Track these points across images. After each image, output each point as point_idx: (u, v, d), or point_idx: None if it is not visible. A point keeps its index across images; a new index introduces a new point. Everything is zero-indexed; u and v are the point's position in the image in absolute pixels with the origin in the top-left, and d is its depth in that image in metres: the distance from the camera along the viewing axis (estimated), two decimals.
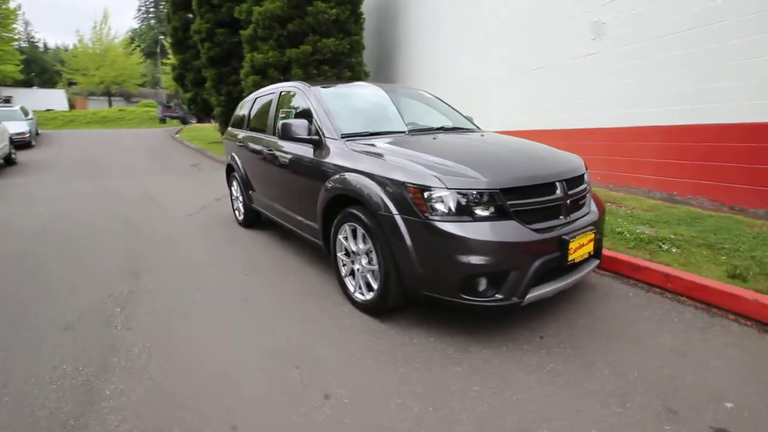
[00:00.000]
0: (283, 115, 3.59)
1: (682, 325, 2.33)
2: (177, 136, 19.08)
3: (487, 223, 2.02)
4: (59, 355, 2.21)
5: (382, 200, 2.21)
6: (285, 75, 11.15)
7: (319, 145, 2.90)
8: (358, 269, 2.57)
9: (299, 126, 2.89)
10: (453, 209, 2.03)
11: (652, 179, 4.76)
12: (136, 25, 64.04)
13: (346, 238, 2.64)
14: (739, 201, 3.93)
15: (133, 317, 2.63)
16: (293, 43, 11.02)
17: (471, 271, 1.99)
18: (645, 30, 4.67)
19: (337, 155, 2.67)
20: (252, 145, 4.14)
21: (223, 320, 2.56)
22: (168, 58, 31.85)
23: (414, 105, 3.68)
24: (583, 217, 2.36)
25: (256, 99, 4.42)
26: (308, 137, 2.90)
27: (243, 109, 4.74)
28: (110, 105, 36.90)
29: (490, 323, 2.39)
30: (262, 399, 1.81)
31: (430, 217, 2.04)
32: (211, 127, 21.68)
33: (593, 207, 2.53)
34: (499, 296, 2.04)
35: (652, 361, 2.01)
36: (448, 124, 3.41)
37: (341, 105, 3.15)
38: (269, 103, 3.97)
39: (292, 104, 3.54)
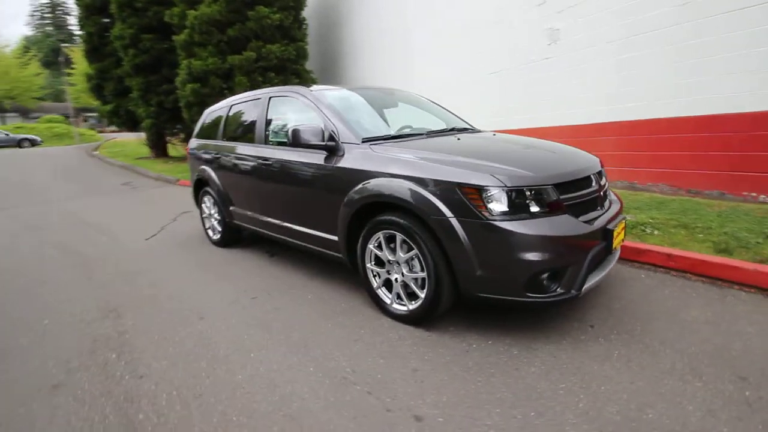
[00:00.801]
0: (279, 122, 3.34)
1: (702, 299, 2.54)
2: (96, 153, 17.11)
3: (546, 219, 2.03)
4: (63, 425, 1.79)
5: (433, 204, 2.12)
6: (227, 83, 10.52)
7: (334, 151, 2.73)
8: (396, 279, 2.44)
9: (313, 131, 2.68)
10: (512, 208, 2.01)
11: (615, 170, 5.21)
12: (29, 32, 56.58)
13: (378, 247, 2.51)
14: (695, 185, 4.45)
15: (140, 362, 2.24)
16: (235, 49, 10.43)
17: (537, 269, 1.98)
18: (596, 36, 5.11)
19: (363, 160, 2.52)
20: (232, 157, 3.80)
21: (252, 352, 2.27)
22: (73, 68, 28.46)
23: (411, 106, 3.63)
24: (611, 206, 2.48)
25: (231, 106, 4.07)
26: (324, 143, 2.70)
27: (213, 119, 4.35)
28: (3, 122, 32.06)
29: (534, 319, 2.41)
30: None
31: (491, 217, 2.00)
32: (135, 142, 19.74)
33: (613, 197, 2.68)
34: (560, 290, 2.05)
35: (697, 334, 2.15)
36: (458, 125, 3.41)
37: (347, 108, 3.00)
38: (253, 110, 3.67)
39: (285, 110, 3.30)
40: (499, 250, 2.00)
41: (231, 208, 4.01)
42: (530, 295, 2.02)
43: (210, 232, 4.55)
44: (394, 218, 2.32)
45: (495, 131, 3.45)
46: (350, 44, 11.68)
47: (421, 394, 1.83)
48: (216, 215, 4.32)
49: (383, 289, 2.57)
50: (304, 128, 2.68)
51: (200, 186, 4.55)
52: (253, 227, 3.77)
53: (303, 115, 3.10)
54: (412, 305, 2.38)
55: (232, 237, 4.31)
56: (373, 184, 2.40)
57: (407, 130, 3.07)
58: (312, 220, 2.97)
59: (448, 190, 2.09)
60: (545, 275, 2.00)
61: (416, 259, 2.31)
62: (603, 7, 5.03)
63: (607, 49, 5.03)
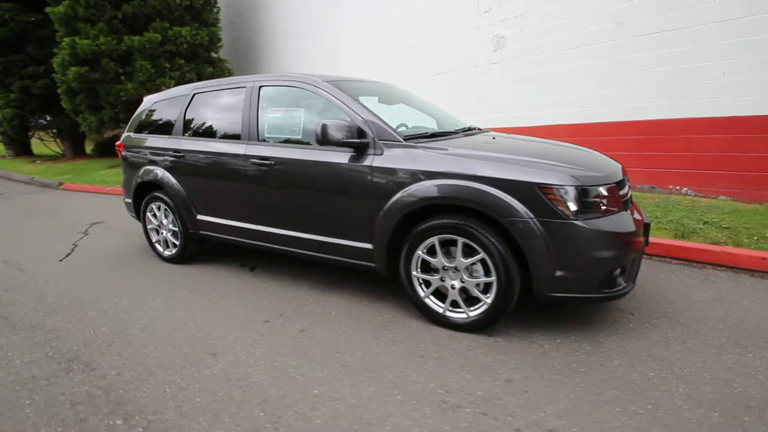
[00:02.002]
0: (281, 116, 2.88)
1: (694, 280, 2.91)
2: None
3: (615, 217, 2.09)
4: None
5: (510, 205, 2.03)
6: (125, 67, 8.91)
7: (364, 149, 2.45)
8: (453, 286, 2.30)
9: (345, 127, 2.36)
10: (587, 206, 2.02)
11: None
12: None
13: (429, 253, 2.33)
14: (632, 180, 5.16)
15: (167, 425, 1.71)
16: (134, 28, 8.87)
17: (615, 265, 2.04)
18: (541, 45, 5.58)
19: (412, 160, 2.30)
20: (203, 157, 3.18)
21: (310, 387, 1.90)
22: None
23: (404, 104, 3.47)
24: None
25: (193, 95, 3.40)
26: (357, 141, 2.40)
27: (167, 111, 3.59)
28: None
29: (572, 314, 2.48)
30: None
31: (571, 216, 1.99)
32: None
33: None
34: (624, 284, 2.15)
35: (715, 311, 2.43)
36: (467, 124, 3.34)
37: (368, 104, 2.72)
38: (233, 101, 3.11)
39: (288, 102, 2.86)
40: (582, 249, 2.00)
41: (198, 217, 3.37)
42: (605, 291, 2.08)
43: (159, 247, 3.77)
44: (455, 221, 2.18)
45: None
46: (269, 32, 10.86)
47: (536, 405, 1.74)
48: (170, 226, 3.59)
49: (432, 297, 2.40)
50: (337, 123, 2.35)
51: (144, 192, 3.73)
52: (233, 238, 3.22)
53: (314, 108, 2.72)
54: (473, 312, 2.26)
55: (194, 251, 3.64)
56: (432, 185, 2.21)
57: (417, 130, 2.91)
58: (334, 228, 2.64)
59: (526, 190, 2.02)
60: (618, 270, 2.09)
61: (478, 263, 2.21)
62: (546, 20, 5.51)
63: (551, 58, 5.53)
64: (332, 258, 2.73)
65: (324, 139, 2.37)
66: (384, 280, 3.01)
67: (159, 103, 3.70)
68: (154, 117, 3.71)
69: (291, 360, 2.15)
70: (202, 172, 3.24)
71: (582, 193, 2.02)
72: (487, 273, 2.19)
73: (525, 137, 3.07)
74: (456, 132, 2.84)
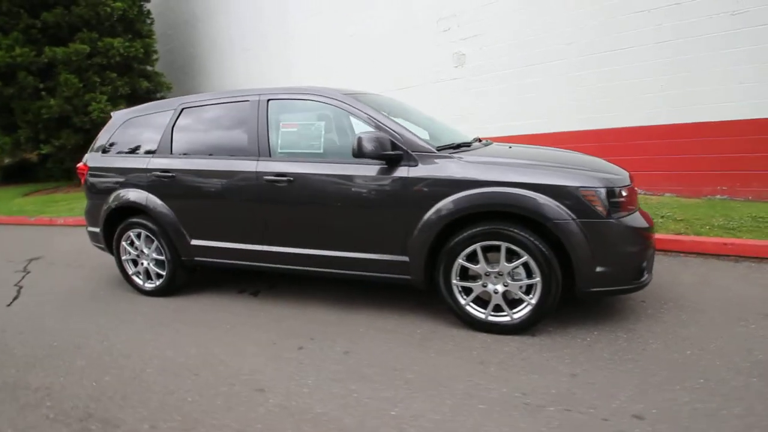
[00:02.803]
0: (297, 130, 2.74)
1: (678, 266, 3.29)
2: None
3: (636, 215, 2.31)
4: None
5: (554, 208, 2.15)
6: (46, 82, 7.87)
7: (396, 161, 2.43)
8: (495, 290, 2.35)
9: (380, 141, 2.32)
10: (619, 207, 2.21)
11: None
12: None
13: (469, 260, 2.36)
14: None
15: None
16: (57, 39, 7.90)
17: (643, 257, 2.24)
18: (499, 63, 6.00)
19: (450, 170, 2.33)
20: (203, 176, 2.94)
21: (383, 411, 1.82)
22: None
23: (411, 116, 3.48)
24: None
25: (181, 110, 3.12)
26: (392, 153, 2.38)
27: (145, 128, 3.25)
28: None
29: (591, 307, 2.66)
30: None
31: (607, 216, 2.16)
32: None
33: None
34: (647, 275, 2.37)
35: (711, 292, 2.75)
36: (454, 135, 3.45)
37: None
38: (235, 115, 2.91)
39: (303, 116, 2.74)
40: (617, 245, 2.18)
41: (192, 242, 3.07)
42: (636, 282, 2.27)
43: (138, 279, 3.36)
44: (499, 227, 2.24)
45: None
46: (210, 45, 10.36)
47: (608, 395, 1.83)
48: (154, 255, 3.23)
49: (472, 304, 2.43)
50: (373, 136, 2.31)
51: (117, 219, 3.31)
52: (236, 262, 2.98)
53: (333, 122, 2.66)
54: (517, 314, 2.33)
55: (183, 280, 3.30)
56: (476, 193, 2.25)
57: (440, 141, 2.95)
58: (365, 242, 2.56)
59: (568, 194, 2.16)
60: (645, 263, 2.30)
61: (521, 266, 2.29)
62: (501, 39, 5.96)
63: (508, 74, 5.97)
64: (362, 274, 2.65)
65: (360, 153, 2.32)
66: (401, 292, 3.00)
67: (133, 120, 3.33)
68: (129, 135, 3.33)
69: (349, 384, 2.04)
70: (198, 193, 2.97)
71: (612, 194, 2.21)
72: (529, 275, 2.29)
73: (533, 146, 3.26)
74: (473, 142, 2.94)
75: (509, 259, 2.30)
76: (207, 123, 3.04)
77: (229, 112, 2.95)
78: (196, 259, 3.12)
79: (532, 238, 2.21)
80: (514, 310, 2.35)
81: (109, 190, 3.32)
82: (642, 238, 2.27)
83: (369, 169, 2.50)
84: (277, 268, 2.88)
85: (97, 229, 3.48)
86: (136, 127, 3.30)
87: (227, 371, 2.22)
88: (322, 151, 2.66)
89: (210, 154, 2.97)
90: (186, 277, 3.30)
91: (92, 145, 3.53)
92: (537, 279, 2.25)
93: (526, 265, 2.27)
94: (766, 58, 4.29)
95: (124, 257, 3.37)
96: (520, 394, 1.88)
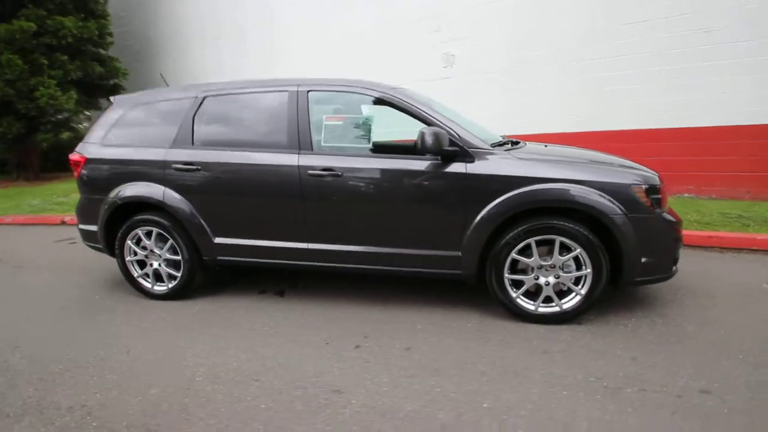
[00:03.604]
0: (339, 123, 2.64)
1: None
2: None
3: (668, 209, 2.53)
4: None
5: (609, 204, 2.28)
6: None
7: (452, 157, 2.44)
8: (547, 282, 2.45)
9: (442, 136, 2.32)
10: (657, 201, 2.40)
11: None
12: None
13: (521, 254, 2.44)
14: None
15: None
16: None
17: (677, 248, 2.46)
18: (488, 65, 6.21)
19: (509, 166, 2.39)
20: (234, 169, 2.76)
21: (471, 403, 1.84)
22: None
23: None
24: None
25: (204, 98, 2.88)
26: (452, 149, 2.38)
27: (160, 116, 2.97)
28: None
29: (620, 295, 2.84)
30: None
31: (654, 211, 2.34)
32: None
33: None
34: (677, 265, 2.60)
35: (708, 279, 3.04)
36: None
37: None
38: (269, 107, 2.75)
39: (347, 110, 2.66)
40: (660, 238, 2.37)
41: (216, 240, 2.86)
42: (670, 271, 2.48)
43: (145, 282, 3.07)
44: (554, 222, 2.34)
45: None
46: (170, 30, 9.65)
47: (672, 374, 1.97)
48: (168, 254, 2.97)
49: (522, 296, 2.51)
50: (437, 132, 2.31)
51: (120, 216, 2.99)
52: (267, 261, 2.84)
53: (379, 116, 2.60)
54: (566, 304, 2.45)
55: (200, 282, 3.07)
56: (536, 189, 2.33)
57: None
58: (417, 238, 2.55)
59: (621, 191, 2.31)
60: (678, 253, 2.51)
61: (572, 259, 2.41)
62: (491, 42, 6.17)
63: (497, 76, 6.19)
64: (410, 270, 2.64)
65: (423, 148, 2.31)
66: (432, 286, 3.04)
67: (142, 107, 3.03)
68: (136, 123, 3.02)
69: (427, 380, 2.02)
70: (227, 188, 2.78)
71: (654, 190, 2.40)
72: (578, 267, 2.42)
73: (564, 146, 3.40)
74: (509, 141, 3.02)
75: (560, 252, 2.41)
76: (235, 113, 2.84)
77: (261, 103, 2.78)
78: (220, 258, 2.91)
79: (585, 232, 2.34)
80: (563, 301, 2.47)
81: (112, 184, 2.99)
82: (676, 231, 2.48)
83: (421, 164, 2.50)
84: (316, 266, 2.78)
85: (93, 228, 3.12)
86: (146, 115, 3.01)
87: (291, 374, 2.11)
88: (370, 145, 2.61)
89: (240, 147, 2.79)
90: (203, 278, 3.07)
91: (88, 134, 3.15)
92: (588, 270, 2.38)
93: (575, 257, 2.40)
94: (731, 71, 4.85)
95: (128, 258, 3.06)
96: (594, 378, 1.98)
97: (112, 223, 3.06)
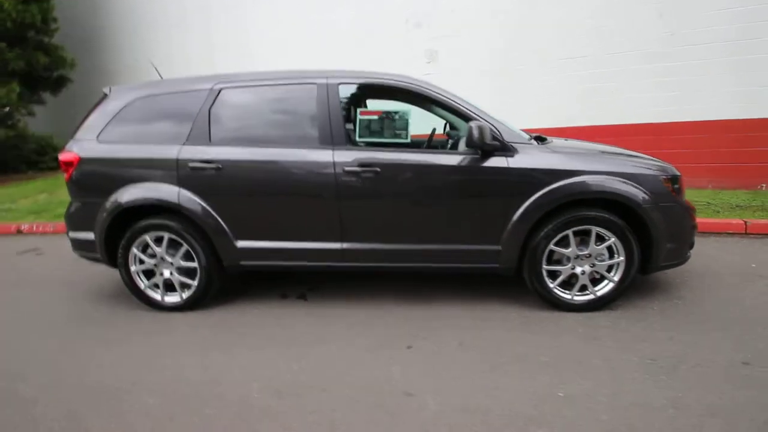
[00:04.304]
0: (375, 117, 2.54)
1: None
2: None
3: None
4: None
5: (642, 194, 2.40)
6: None
7: (491, 152, 2.45)
8: (583, 272, 2.54)
9: (488, 130, 2.32)
10: (679, 191, 2.57)
11: None
12: None
13: (559, 245, 2.51)
14: None
15: None
16: None
17: (694, 234, 2.65)
18: (471, 63, 6.32)
19: (550, 159, 2.45)
20: (262, 166, 2.59)
21: (557, 395, 1.87)
22: None
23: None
24: None
25: (219, 91, 2.66)
26: (498, 143, 2.39)
27: (169, 110, 2.70)
28: None
29: (644, 280, 2.99)
30: None
31: (676, 199, 2.51)
32: None
33: None
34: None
35: (708, 261, 3.28)
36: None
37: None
38: (294, 100, 2.59)
39: (380, 104, 2.57)
40: (682, 224, 2.55)
41: (239, 244, 2.67)
42: (687, 255, 2.67)
43: (154, 293, 2.81)
44: (594, 212, 2.43)
45: None
46: (119, 18, 8.86)
47: (713, 348, 2.14)
48: (181, 262, 2.73)
49: (558, 287, 2.59)
50: (484, 126, 2.30)
51: (124, 222, 2.70)
52: (294, 263, 2.70)
53: (415, 110, 2.55)
54: (600, 291, 2.56)
55: (216, 289, 2.85)
56: (575, 182, 2.40)
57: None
58: (459, 233, 2.55)
59: (651, 181, 2.45)
60: (694, 238, 2.71)
61: (606, 248, 2.52)
62: (473, 40, 6.29)
63: (481, 75, 6.32)
64: (448, 266, 2.63)
65: (472, 142, 2.30)
66: (458, 280, 3.06)
67: (148, 100, 2.73)
68: (139, 118, 2.72)
69: (494, 375, 2.03)
70: (253, 187, 2.59)
71: (676, 180, 2.57)
72: (611, 255, 2.53)
73: (583, 141, 3.50)
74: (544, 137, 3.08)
75: (595, 242, 2.51)
76: (257, 107, 2.65)
77: (286, 95, 2.62)
78: (242, 263, 2.72)
79: (619, 222, 2.45)
80: (597, 288, 2.58)
81: (113, 186, 2.68)
82: (692, 218, 2.68)
83: (462, 159, 2.49)
84: (350, 266, 2.68)
85: (89, 236, 2.79)
86: (151, 109, 2.72)
87: (355, 381, 2.02)
88: (408, 140, 2.56)
89: (263, 143, 2.61)
90: (219, 285, 2.85)
91: (78, 130, 2.80)
92: (621, 258, 2.51)
93: (608, 246, 2.52)
94: (691, 72, 5.31)
95: (134, 268, 2.77)
96: (649, 360, 2.09)
97: (112, 230, 2.75)
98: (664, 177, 2.51)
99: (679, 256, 2.63)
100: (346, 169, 2.50)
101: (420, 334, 2.44)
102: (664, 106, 5.51)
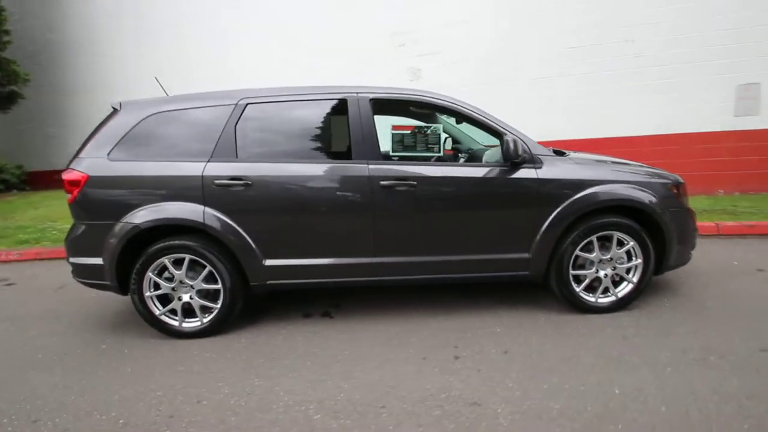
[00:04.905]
0: (407, 132, 2.57)
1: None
2: None
3: None
4: None
5: (656, 201, 2.60)
6: None
7: (519, 164, 2.56)
8: (605, 275, 2.68)
9: (520, 144, 2.43)
10: (684, 196, 2.82)
11: None
12: None
13: (584, 250, 2.65)
14: None
15: None
16: None
17: (696, 236, 2.89)
18: (455, 80, 6.57)
19: (573, 170, 2.60)
20: (294, 182, 2.54)
21: (623, 395, 1.95)
22: None
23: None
24: None
25: (245, 106, 2.58)
26: (528, 155, 2.51)
27: (190, 126, 2.58)
28: None
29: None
30: None
31: (683, 205, 2.74)
32: None
33: None
34: None
35: (709, 260, 3.60)
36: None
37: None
38: (323, 115, 2.57)
39: (412, 117, 2.61)
40: (689, 227, 2.78)
41: (267, 263, 2.57)
42: (690, 256, 2.91)
43: (171, 319, 2.63)
44: (616, 219, 2.60)
45: None
46: (75, 32, 8.38)
47: (735, 340, 2.32)
48: (203, 284, 2.58)
49: (585, 290, 2.72)
50: (517, 139, 2.41)
51: (137, 245, 2.52)
52: (330, 280, 2.66)
53: (444, 124, 2.62)
54: (621, 292, 2.72)
55: (238, 311, 2.71)
56: (600, 191, 2.56)
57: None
58: (488, 243, 2.62)
59: (663, 189, 2.67)
60: (696, 240, 2.96)
61: (625, 252, 2.69)
62: (457, 56, 6.56)
63: (463, 91, 6.58)
64: (479, 276, 2.68)
65: (508, 155, 2.40)
66: (479, 288, 3.15)
67: (164, 115, 2.58)
68: (156, 133, 2.57)
69: (550, 378, 2.08)
70: (283, 203, 2.52)
71: (681, 187, 2.82)
72: (629, 259, 2.71)
73: (591, 153, 3.72)
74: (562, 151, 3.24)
75: (609, 246, 2.67)
76: (284, 122, 2.60)
77: (316, 110, 2.60)
78: (270, 282, 2.62)
79: (637, 227, 2.64)
80: (617, 290, 2.74)
81: (128, 207, 2.50)
82: (694, 221, 2.93)
83: (493, 171, 2.58)
84: (381, 280, 2.67)
85: (95, 261, 2.57)
86: (168, 126, 2.58)
87: (413, 395, 2.00)
88: (441, 153, 2.61)
89: (293, 158, 2.56)
90: (240, 305, 2.71)
91: (84, 147, 2.59)
92: (639, 261, 2.68)
93: (627, 250, 2.69)
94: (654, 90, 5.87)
95: (148, 293, 2.58)
96: (680, 353, 2.24)
97: (124, 254, 2.55)
98: (671, 184, 2.75)
99: (684, 256, 2.86)
100: (383, 183, 2.51)
101: (459, 345, 2.45)
102: (617, 122, 6.05)
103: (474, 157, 3.10)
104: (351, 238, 2.59)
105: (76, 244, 2.63)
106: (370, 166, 2.54)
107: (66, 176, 2.56)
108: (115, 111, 2.67)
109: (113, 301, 3.31)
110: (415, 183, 2.53)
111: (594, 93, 6.08)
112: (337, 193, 2.54)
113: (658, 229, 2.67)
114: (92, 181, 2.53)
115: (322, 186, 2.54)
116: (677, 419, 1.76)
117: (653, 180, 2.71)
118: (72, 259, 2.66)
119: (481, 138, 3.42)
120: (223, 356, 2.46)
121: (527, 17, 6.28)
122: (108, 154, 2.57)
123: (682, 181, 2.85)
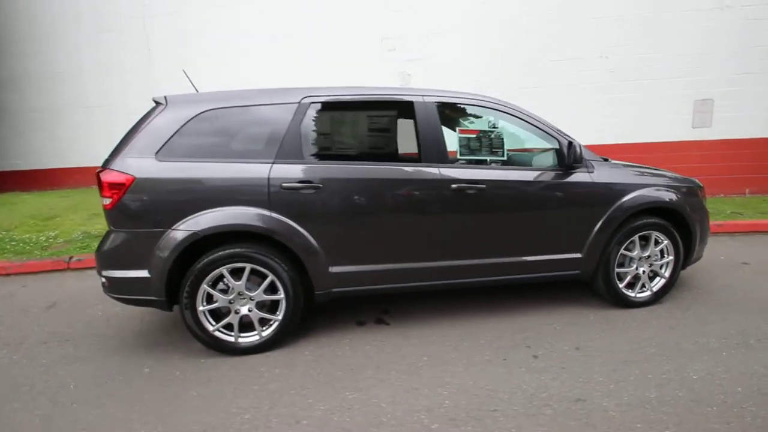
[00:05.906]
0: (473, 136, 2.58)
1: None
2: None
3: None
4: None
5: (686, 202, 2.88)
6: None
7: (573, 168, 2.70)
8: (643, 271, 2.91)
9: (581, 148, 2.56)
10: (705, 199, 3.14)
11: None
12: None
13: (627, 250, 2.86)
14: None
15: None
16: None
17: (709, 234, 3.23)
18: (446, 85, 6.73)
19: (617, 174, 2.81)
20: (367, 185, 2.45)
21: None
22: None
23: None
24: None
25: (309, 104, 2.44)
26: (583, 160, 2.64)
27: (248, 124, 2.39)
28: None
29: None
30: None
31: (705, 206, 3.05)
32: None
33: None
34: None
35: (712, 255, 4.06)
36: None
37: None
38: (388, 117, 2.51)
39: (475, 123, 2.62)
40: (707, 226, 3.10)
41: (332, 270, 2.45)
42: (703, 252, 3.24)
43: (226, 335, 2.42)
44: (656, 220, 2.83)
45: None
46: (31, 20, 7.42)
47: (760, 328, 2.62)
48: (263, 295, 2.41)
49: (628, 287, 2.93)
50: (580, 145, 2.53)
51: (191, 254, 2.29)
52: (395, 285, 2.61)
53: (505, 129, 2.68)
54: (655, 287, 2.96)
55: (297, 321, 2.56)
56: (644, 194, 2.77)
57: None
58: (546, 245, 2.72)
59: (690, 192, 2.95)
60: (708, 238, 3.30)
61: (659, 250, 2.93)
62: (446, 63, 6.72)
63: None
64: (533, 276, 2.78)
65: (573, 159, 2.52)
66: (522, 288, 3.27)
67: (218, 112, 2.36)
68: (213, 132, 2.34)
69: (631, 369, 2.21)
70: (355, 207, 2.43)
71: (702, 189, 3.14)
72: (661, 256, 2.96)
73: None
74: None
75: (645, 245, 2.92)
76: (349, 123, 2.51)
77: (383, 112, 2.54)
78: (335, 290, 2.50)
79: (669, 226, 2.90)
80: (652, 285, 2.98)
81: (179, 212, 2.26)
82: (709, 220, 3.27)
83: (552, 175, 2.70)
84: (444, 284, 2.66)
85: (140, 274, 2.28)
86: (223, 124, 2.36)
87: (514, 396, 2.03)
88: (505, 157, 2.67)
89: (359, 160, 2.47)
90: (300, 314, 2.56)
91: (124, 145, 2.28)
92: (670, 258, 2.95)
93: (661, 248, 2.95)
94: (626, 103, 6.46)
95: (201, 308, 2.34)
96: (724, 339, 2.50)
97: (175, 265, 2.30)
98: (695, 187, 3.06)
99: (701, 253, 3.19)
100: (454, 186, 2.51)
101: (527, 344, 2.53)
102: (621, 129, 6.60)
103: (514, 161, 3.22)
104: (420, 242, 2.56)
105: (113, 256, 2.32)
106: (441, 169, 2.54)
107: (106, 178, 2.25)
108: (158, 105, 2.40)
109: (121, 319, 3.00)
110: (483, 186, 2.57)
111: (572, 102, 6.56)
112: (409, 195, 2.50)
113: (686, 229, 2.96)
114: (139, 184, 2.24)
115: (393, 189, 2.49)
116: (755, 398, 1.96)
117: (682, 184, 3.00)
118: (107, 273, 2.34)
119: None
120: (294, 371, 2.30)
121: (513, 33, 6.61)
122: (156, 153, 2.30)
123: (701, 185, 3.18)
